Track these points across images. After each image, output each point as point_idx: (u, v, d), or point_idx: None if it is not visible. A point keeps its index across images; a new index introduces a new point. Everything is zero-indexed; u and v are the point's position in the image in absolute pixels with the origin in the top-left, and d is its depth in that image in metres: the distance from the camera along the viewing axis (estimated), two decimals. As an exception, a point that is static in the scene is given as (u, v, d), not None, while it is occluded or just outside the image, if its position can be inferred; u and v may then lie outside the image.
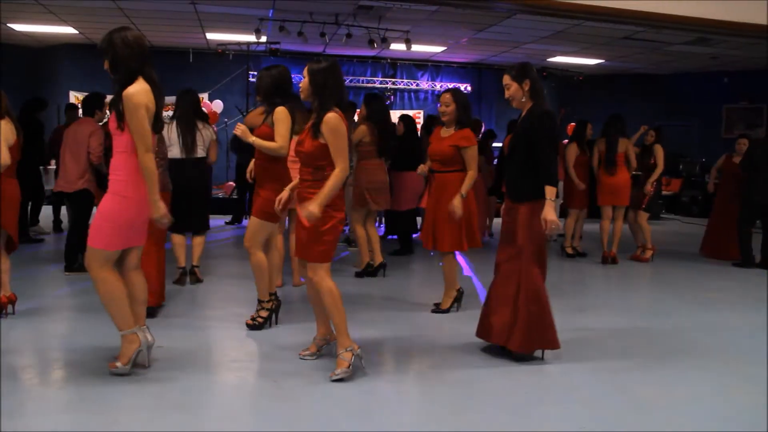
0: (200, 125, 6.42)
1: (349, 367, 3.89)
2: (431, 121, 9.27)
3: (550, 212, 4.04)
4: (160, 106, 3.75)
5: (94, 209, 4.09)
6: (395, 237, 9.38)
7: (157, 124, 3.79)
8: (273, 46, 13.56)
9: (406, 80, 16.69)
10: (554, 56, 14.63)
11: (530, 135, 4.18)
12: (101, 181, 6.24)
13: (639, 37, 11.95)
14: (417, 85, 16.76)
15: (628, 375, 4.19)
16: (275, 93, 4.82)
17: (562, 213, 9.38)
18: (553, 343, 4.28)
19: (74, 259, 6.76)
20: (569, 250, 8.89)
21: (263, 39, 12.57)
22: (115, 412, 3.39)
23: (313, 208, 3.75)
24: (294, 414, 3.44)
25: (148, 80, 3.71)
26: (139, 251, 3.93)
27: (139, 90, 3.64)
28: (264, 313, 4.97)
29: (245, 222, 11.39)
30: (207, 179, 6.73)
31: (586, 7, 7.70)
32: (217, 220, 11.23)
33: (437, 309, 5.67)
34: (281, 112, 4.73)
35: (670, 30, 9.91)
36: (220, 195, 13.43)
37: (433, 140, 5.52)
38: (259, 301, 5.00)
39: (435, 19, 11.33)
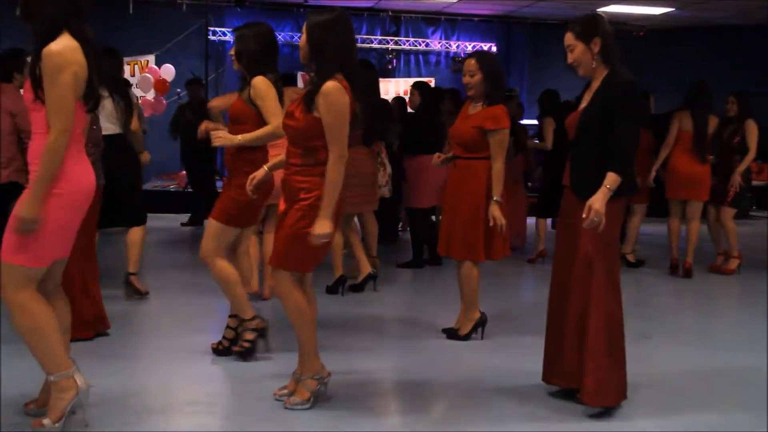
0: (111, 93, 6.43)
1: (309, 398, 4.08)
2: (440, 94, 9.23)
3: (598, 201, 3.95)
4: (94, 72, 3.62)
5: None
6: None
7: (91, 97, 3.68)
8: (239, -6, 13.51)
9: (412, 39, 16.62)
10: (607, 5, 14.45)
11: (607, 113, 4.08)
12: None
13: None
14: (426, 45, 16.73)
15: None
16: (262, 60, 4.81)
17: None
18: (624, 390, 4.24)
19: None
20: (630, 258, 8.84)
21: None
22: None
23: (320, 229, 3.86)
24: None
25: (77, 36, 3.56)
26: (62, 265, 3.84)
27: (64, 48, 3.49)
28: (250, 336, 4.98)
29: (206, 223, 11.28)
30: (130, 158, 6.72)
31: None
32: (169, 221, 11.29)
33: (453, 334, 5.66)
34: (261, 83, 4.75)
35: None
36: (172, 188, 13.38)
37: (459, 119, 5.59)
38: (240, 321, 5.02)
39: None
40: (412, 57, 16.97)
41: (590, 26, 4.17)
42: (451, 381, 4.83)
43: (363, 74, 6.95)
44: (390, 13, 16.16)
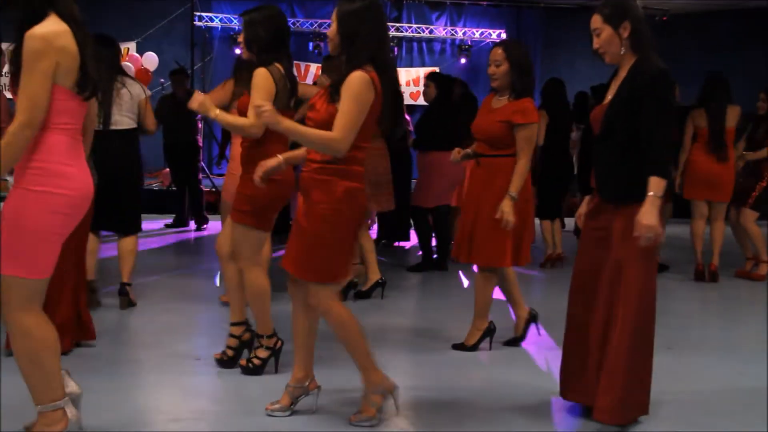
0: (123, 81, 6.41)
1: (375, 414, 4.12)
2: (443, 84, 9.08)
3: (648, 214, 3.84)
4: (88, 56, 3.51)
5: None
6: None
7: (86, 84, 3.54)
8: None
9: (415, 25, 16.64)
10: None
11: (636, 104, 3.99)
12: None
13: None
14: (430, 31, 16.75)
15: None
16: (274, 46, 4.78)
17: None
18: (645, 407, 4.21)
19: None
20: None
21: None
22: None
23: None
24: None
25: (65, 18, 3.48)
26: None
27: (48, 32, 3.40)
28: (264, 353, 4.97)
29: (192, 224, 11.51)
30: (137, 159, 6.71)
31: None
32: (152, 222, 11.21)
33: (459, 345, 5.69)
34: (258, 76, 4.70)
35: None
36: (155, 186, 13.35)
37: (480, 112, 5.57)
38: (254, 335, 5.07)
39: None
40: (415, 45, 17.03)
41: (620, 9, 4.08)
42: (456, 396, 4.80)
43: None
44: (391, -2, 16.22)
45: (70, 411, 3.64)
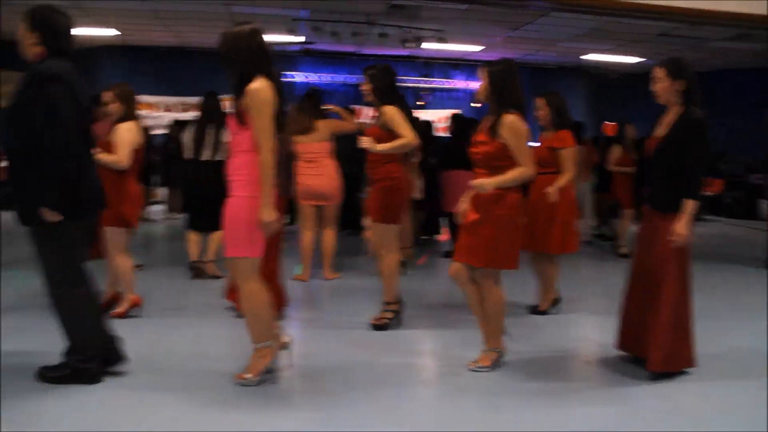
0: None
1: (491, 365, 4.04)
2: (462, 122, 8.82)
3: (681, 226, 3.83)
4: (280, 103, 3.56)
5: None
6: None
7: (279, 122, 3.56)
8: (307, 46, 13.68)
9: (440, 79, 16.67)
10: (589, 54, 14.48)
11: (679, 144, 3.89)
12: None
13: (676, 34, 11.77)
14: (452, 84, 16.73)
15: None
16: (389, 92, 4.78)
17: (614, 213, 9.21)
18: (692, 360, 4.08)
19: None
20: (623, 251, 8.53)
21: (297, 39, 12.67)
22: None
23: (486, 183, 3.79)
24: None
25: (270, 78, 3.53)
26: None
27: (263, 86, 3.47)
28: (389, 315, 4.96)
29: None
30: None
31: (621, 4, 7.62)
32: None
33: (534, 310, 5.55)
34: (391, 111, 4.70)
35: (708, 26, 9.75)
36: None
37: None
38: (385, 303, 4.99)
39: (468, 18, 11.31)
40: (441, 94, 17.04)
41: (679, 67, 3.95)
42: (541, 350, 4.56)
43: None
44: (423, 60, 16.24)
45: (283, 338, 3.82)
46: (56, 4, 3.59)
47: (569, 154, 5.26)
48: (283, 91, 3.58)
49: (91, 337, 3.63)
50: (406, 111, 4.82)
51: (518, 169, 3.83)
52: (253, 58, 3.50)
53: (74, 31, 3.60)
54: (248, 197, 3.50)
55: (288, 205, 11.11)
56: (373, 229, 4.88)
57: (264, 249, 3.61)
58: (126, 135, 4.87)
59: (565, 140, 5.27)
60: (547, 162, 5.25)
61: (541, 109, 5.34)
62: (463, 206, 4.05)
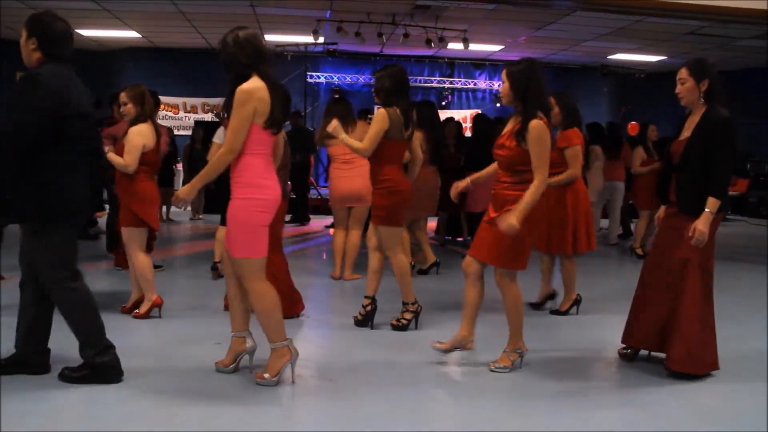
0: None
1: (512, 365, 4.01)
2: (484, 122, 8.80)
3: (703, 222, 3.77)
4: (276, 103, 3.56)
5: None
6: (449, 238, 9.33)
7: (273, 123, 3.57)
8: (330, 47, 13.70)
9: (463, 79, 16.64)
10: (615, 53, 14.35)
11: (705, 144, 3.83)
12: None
13: (704, 33, 11.61)
14: (474, 84, 16.69)
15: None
16: (396, 94, 4.72)
17: (633, 214, 9.11)
18: (715, 363, 4.02)
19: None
20: (639, 252, 8.53)
21: (321, 40, 12.70)
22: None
23: (513, 220, 3.69)
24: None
25: (263, 77, 3.56)
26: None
27: (250, 87, 3.50)
28: (408, 315, 4.95)
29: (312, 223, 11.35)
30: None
31: (647, 3, 7.53)
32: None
33: (554, 311, 5.56)
34: (376, 116, 4.70)
35: (737, 24, 9.60)
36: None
37: None
38: (404, 303, 4.96)
39: (493, 18, 11.25)
40: (464, 94, 16.96)
41: (703, 67, 3.91)
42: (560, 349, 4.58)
43: (427, 111, 6.97)
44: (446, 60, 16.18)
45: (293, 347, 3.69)
46: (56, 9, 3.59)
47: (573, 152, 5.25)
48: (280, 92, 3.60)
49: (95, 330, 3.61)
50: (407, 114, 4.74)
51: (533, 186, 3.74)
52: (249, 60, 3.52)
53: (78, 33, 3.61)
54: (247, 199, 3.53)
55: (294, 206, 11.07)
56: (376, 233, 4.85)
57: (268, 249, 3.62)
58: (135, 139, 4.89)
59: (571, 138, 5.26)
60: (556, 162, 5.17)
61: (552, 108, 5.27)
62: (455, 191, 4.27)
